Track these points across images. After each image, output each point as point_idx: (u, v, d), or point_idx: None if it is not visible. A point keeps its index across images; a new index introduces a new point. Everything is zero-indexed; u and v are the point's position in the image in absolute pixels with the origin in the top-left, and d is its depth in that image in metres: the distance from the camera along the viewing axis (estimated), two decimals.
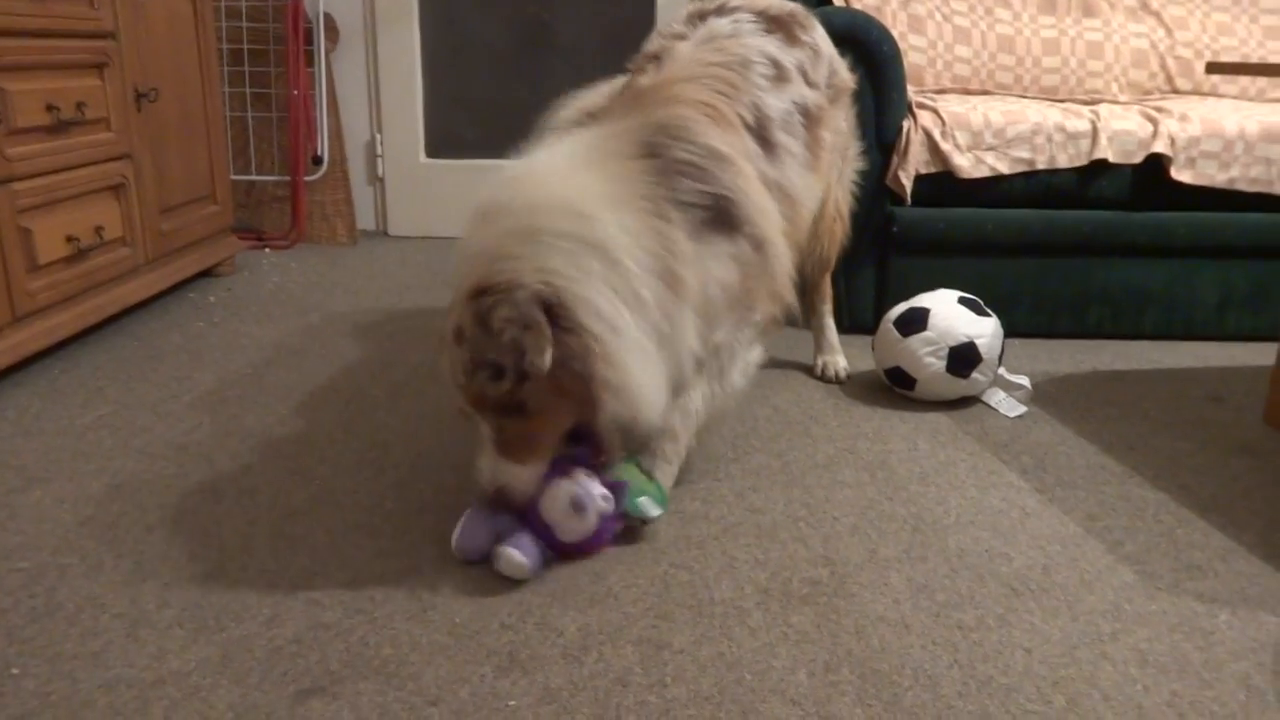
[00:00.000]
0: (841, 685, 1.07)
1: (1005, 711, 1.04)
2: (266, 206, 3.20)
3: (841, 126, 1.76)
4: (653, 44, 1.51)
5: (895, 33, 2.58)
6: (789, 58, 1.49)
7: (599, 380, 1.17)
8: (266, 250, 3.08)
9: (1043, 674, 1.10)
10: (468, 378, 1.19)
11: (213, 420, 1.75)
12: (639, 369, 1.20)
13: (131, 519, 1.39)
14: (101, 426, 1.70)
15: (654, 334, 1.23)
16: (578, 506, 1.25)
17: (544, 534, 1.26)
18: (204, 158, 2.60)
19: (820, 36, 1.66)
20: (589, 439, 1.29)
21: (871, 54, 2.15)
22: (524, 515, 1.27)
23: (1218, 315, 2.35)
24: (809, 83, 1.53)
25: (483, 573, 1.27)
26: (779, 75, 1.45)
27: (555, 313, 1.15)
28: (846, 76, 1.74)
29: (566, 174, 1.26)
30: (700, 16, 1.52)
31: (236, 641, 1.12)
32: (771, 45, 1.46)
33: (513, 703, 1.03)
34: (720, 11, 1.53)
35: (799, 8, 1.66)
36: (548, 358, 1.14)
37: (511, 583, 1.25)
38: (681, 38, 1.48)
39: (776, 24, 1.54)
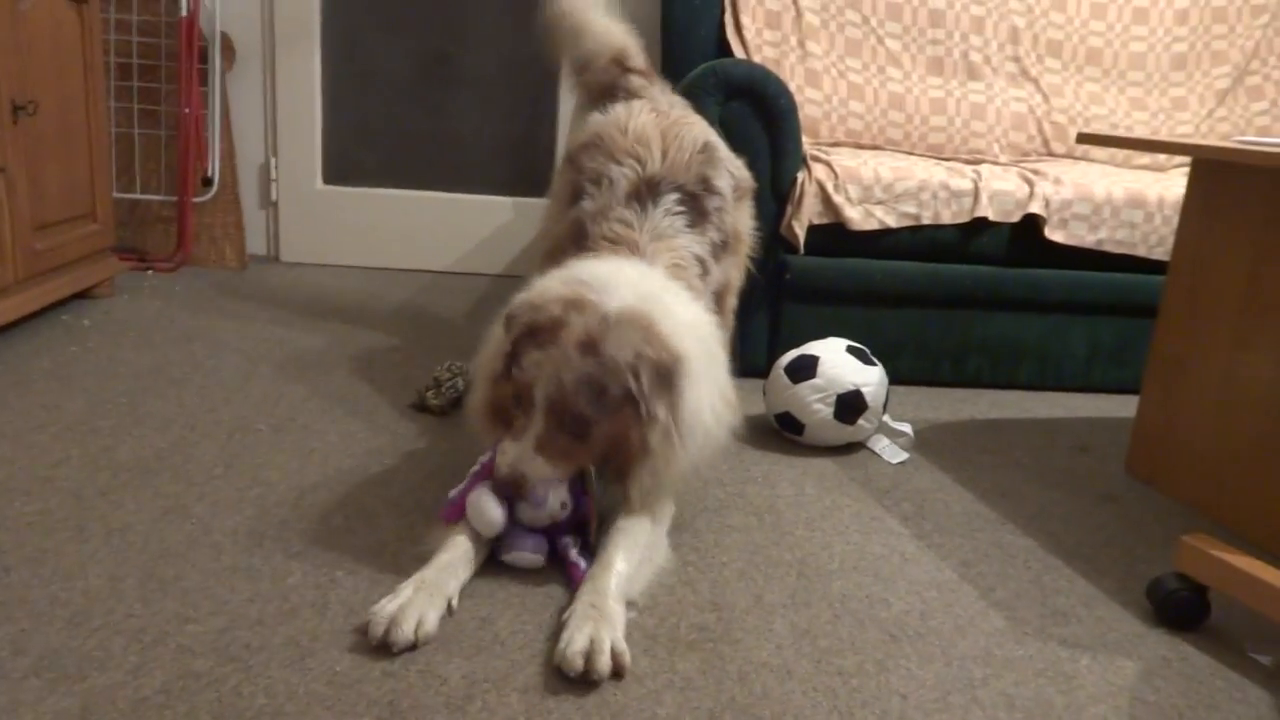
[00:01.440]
0: None
1: None
2: (151, 227, 3.08)
3: (745, 224, 1.97)
4: (606, 227, 1.70)
5: (793, 85, 2.66)
6: (707, 243, 1.76)
7: (658, 453, 1.37)
8: (149, 272, 2.96)
9: (916, 719, 1.14)
10: (571, 383, 1.31)
11: (82, 452, 1.67)
12: (683, 460, 1.41)
13: None
14: None
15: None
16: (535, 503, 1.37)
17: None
18: (84, 174, 2.49)
19: (723, 172, 1.86)
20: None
21: (769, 107, 2.21)
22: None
23: (1086, 368, 2.48)
24: (721, 230, 1.81)
25: (364, 615, 1.24)
26: (704, 271, 1.74)
27: (671, 383, 1.36)
28: (746, 178, 1.96)
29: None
30: (638, 199, 1.73)
31: (99, 692, 1.06)
32: (697, 245, 1.73)
33: None
34: (655, 194, 1.73)
35: (706, 151, 1.84)
36: (662, 414, 1.34)
37: None
38: (629, 225, 1.69)
39: (695, 208, 1.75)
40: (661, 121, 1.84)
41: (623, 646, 1.18)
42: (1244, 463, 1.72)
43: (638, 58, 2.09)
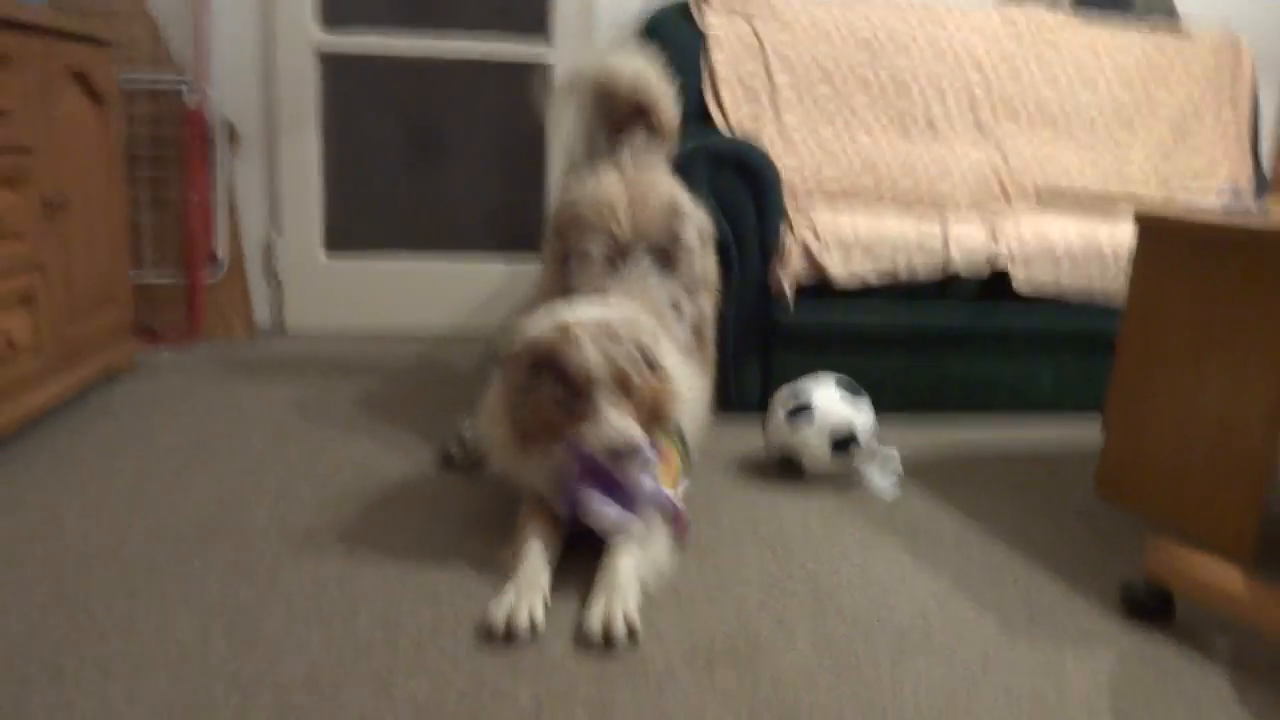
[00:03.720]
0: None
1: None
2: (162, 306, 3.23)
3: (710, 266, 2.23)
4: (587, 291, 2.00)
5: (771, 153, 2.88)
6: (680, 286, 2.08)
7: (671, 405, 1.76)
8: (164, 350, 3.10)
9: (930, 715, 1.30)
10: (619, 354, 1.65)
11: (144, 522, 1.80)
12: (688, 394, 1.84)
13: (83, 625, 1.44)
14: (32, 536, 1.74)
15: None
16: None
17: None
18: (107, 261, 2.65)
19: (689, 225, 2.12)
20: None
21: (757, 180, 2.44)
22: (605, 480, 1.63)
23: (1055, 398, 2.69)
24: (690, 274, 2.11)
25: (437, 650, 1.39)
26: (679, 312, 2.07)
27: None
28: (708, 227, 2.21)
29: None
30: (613, 264, 2.04)
31: None
32: (669, 289, 2.05)
33: None
34: (626, 257, 2.04)
35: (672, 208, 2.10)
36: (669, 361, 1.78)
37: (466, 658, 1.37)
38: (604, 288, 1.98)
39: (665, 260, 2.06)
40: (629, 186, 2.09)
41: (634, 616, 1.46)
42: (1199, 478, 1.92)
43: (659, 109, 2.25)
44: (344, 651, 1.39)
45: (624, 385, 1.65)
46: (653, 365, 1.71)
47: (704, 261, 2.16)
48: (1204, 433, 1.91)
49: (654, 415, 1.73)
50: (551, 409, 1.65)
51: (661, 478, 1.69)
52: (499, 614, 1.45)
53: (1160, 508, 2.01)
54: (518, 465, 1.73)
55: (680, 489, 1.80)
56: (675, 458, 1.82)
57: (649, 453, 1.63)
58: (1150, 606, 1.57)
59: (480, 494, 1.99)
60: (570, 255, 2.07)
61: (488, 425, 1.79)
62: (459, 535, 1.80)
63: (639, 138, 2.22)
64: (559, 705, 1.28)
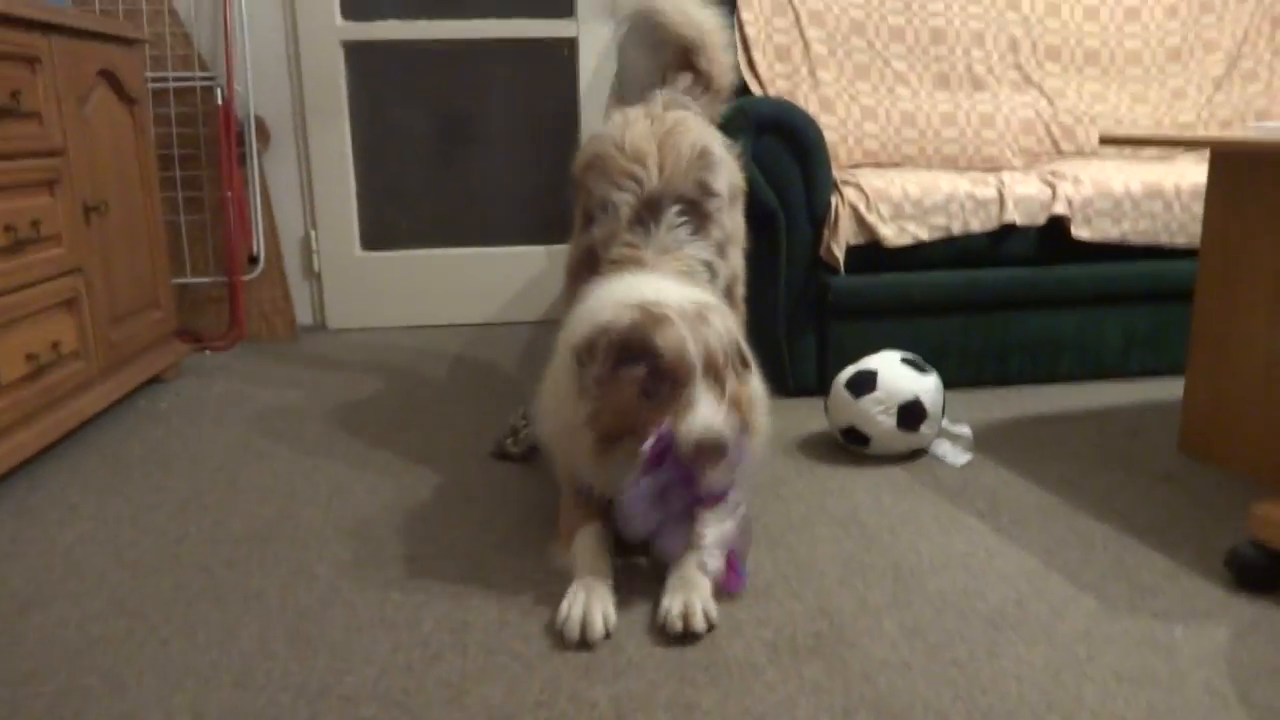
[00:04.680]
0: None
1: None
2: (203, 308, 3.20)
3: (739, 220, 2.04)
4: (614, 251, 1.79)
5: (809, 113, 2.79)
6: (712, 244, 1.85)
7: (753, 402, 1.61)
8: (206, 352, 3.07)
9: (1035, 699, 1.22)
10: (712, 339, 1.46)
11: (198, 527, 1.76)
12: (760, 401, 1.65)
13: (142, 634, 1.40)
14: (87, 543, 1.70)
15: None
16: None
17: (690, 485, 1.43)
18: (147, 265, 2.61)
19: (720, 174, 1.92)
20: None
21: (799, 140, 2.33)
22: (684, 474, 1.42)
23: (1123, 357, 2.57)
24: (722, 228, 1.90)
25: (509, 653, 1.33)
26: (712, 273, 1.83)
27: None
28: (739, 180, 2.03)
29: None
30: (640, 221, 1.81)
31: None
32: (702, 250, 1.81)
33: None
34: (656, 211, 1.81)
35: (704, 156, 1.90)
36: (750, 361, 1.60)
37: (539, 660, 1.31)
38: (635, 246, 1.78)
39: (697, 214, 1.84)
40: (658, 130, 1.91)
41: (712, 606, 1.39)
42: None
43: (708, 51, 2.12)
44: (412, 658, 1.33)
45: (717, 377, 1.46)
46: (745, 361, 1.56)
47: (734, 216, 1.98)
48: None
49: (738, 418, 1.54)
50: (637, 402, 1.44)
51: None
52: (572, 621, 1.37)
53: (1251, 464, 1.90)
54: (595, 469, 1.52)
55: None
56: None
57: (739, 455, 1.44)
58: (1260, 572, 1.47)
59: (538, 483, 1.92)
60: (594, 216, 1.86)
61: (553, 425, 1.62)
62: (519, 527, 1.74)
63: (685, 83, 2.10)
64: (640, 707, 1.21)
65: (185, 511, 1.84)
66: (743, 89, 2.83)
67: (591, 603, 1.39)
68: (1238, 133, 2.43)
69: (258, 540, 1.71)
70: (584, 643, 1.35)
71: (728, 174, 1.96)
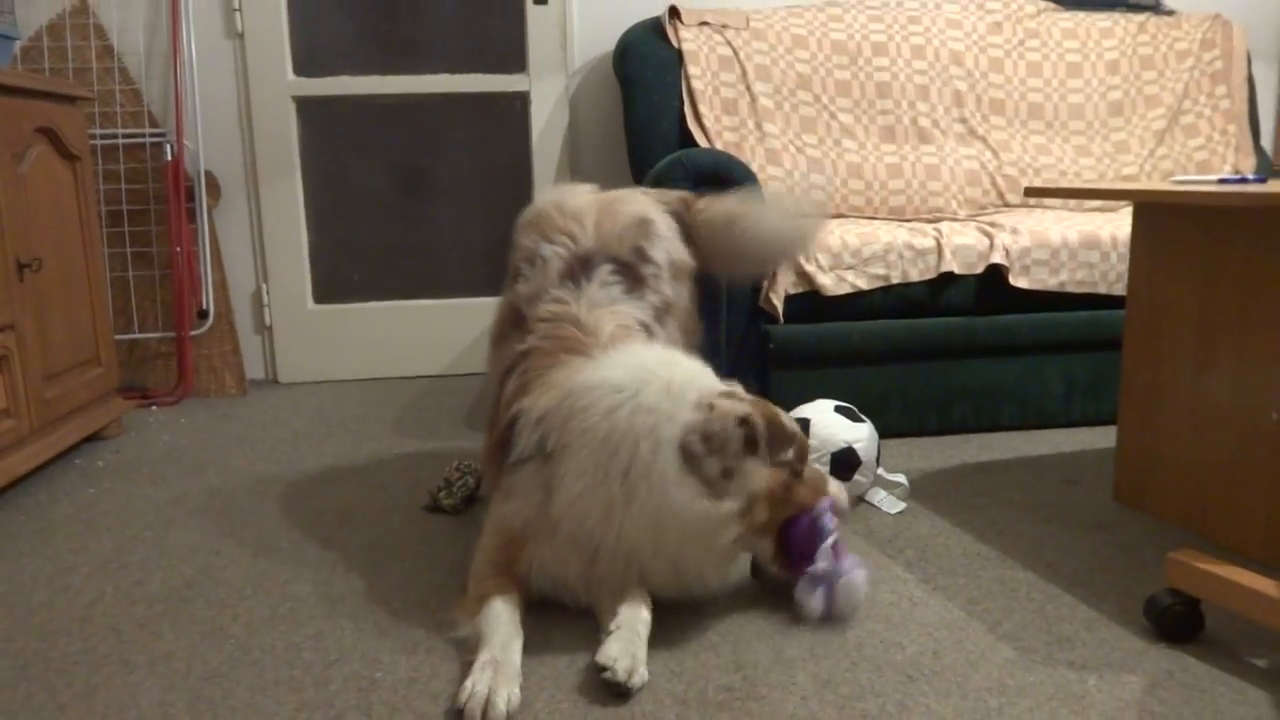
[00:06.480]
0: None
1: None
2: (150, 363, 3.18)
3: (684, 296, 1.99)
4: (542, 308, 1.76)
5: (755, 165, 2.83)
6: (648, 307, 1.82)
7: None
8: (153, 408, 3.05)
9: None
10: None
11: (115, 588, 1.73)
12: None
13: (41, 700, 1.36)
14: None
15: None
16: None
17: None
18: (87, 321, 2.60)
19: (659, 245, 1.91)
20: None
21: (734, 188, 2.35)
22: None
23: (1065, 404, 2.58)
24: (660, 295, 1.87)
25: (413, 713, 1.30)
26: (649, 335, 1.78)
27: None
28: (685, 260, 2.00)
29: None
30: (571, 277, 1.79)
31: None
32: (637, 310, 1.78)
33: None
34: (588, 269, 1.79)
35: (642, 225, 1.90)
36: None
37: (443, 718, 1.28)
38: (565, 302, 1.76)
39: (631, 277, 1.82)
40: (600, 199, 1.92)
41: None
42: (1221, 478, 1.81)
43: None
44: (314, 718, 1.30)
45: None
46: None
47: (676, 291, 1.93)
48: (1221, 428, 1.80)
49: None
50: (790, 485, 1.53)
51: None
52: (475, 700, 1.28)
53: (1182, 512, 1.90)
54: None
55: None
56: None
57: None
58: (1176, 621, 1.46)
59: (467, 537, 1.90)
60: (521, 271, 1.84)
61: (584, 512, 1.49)
62: (443, 581, 1.71)
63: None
64: None
65: (104, 571, 1.80)
66: (685, 142, 2.87)
67: (498, 682, 1.31)
68: (1158, 185, 2.48)
69: (174, 600, 1.67)
70: None
71: (668, 248, 1.93)
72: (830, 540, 1.51)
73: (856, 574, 1.52)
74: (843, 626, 1.52)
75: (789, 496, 1.52)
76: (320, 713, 1.32)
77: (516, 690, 1.32)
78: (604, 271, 1.79)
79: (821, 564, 1.50)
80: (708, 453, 1.44)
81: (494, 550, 1.58)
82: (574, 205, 1.90)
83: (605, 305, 1.75)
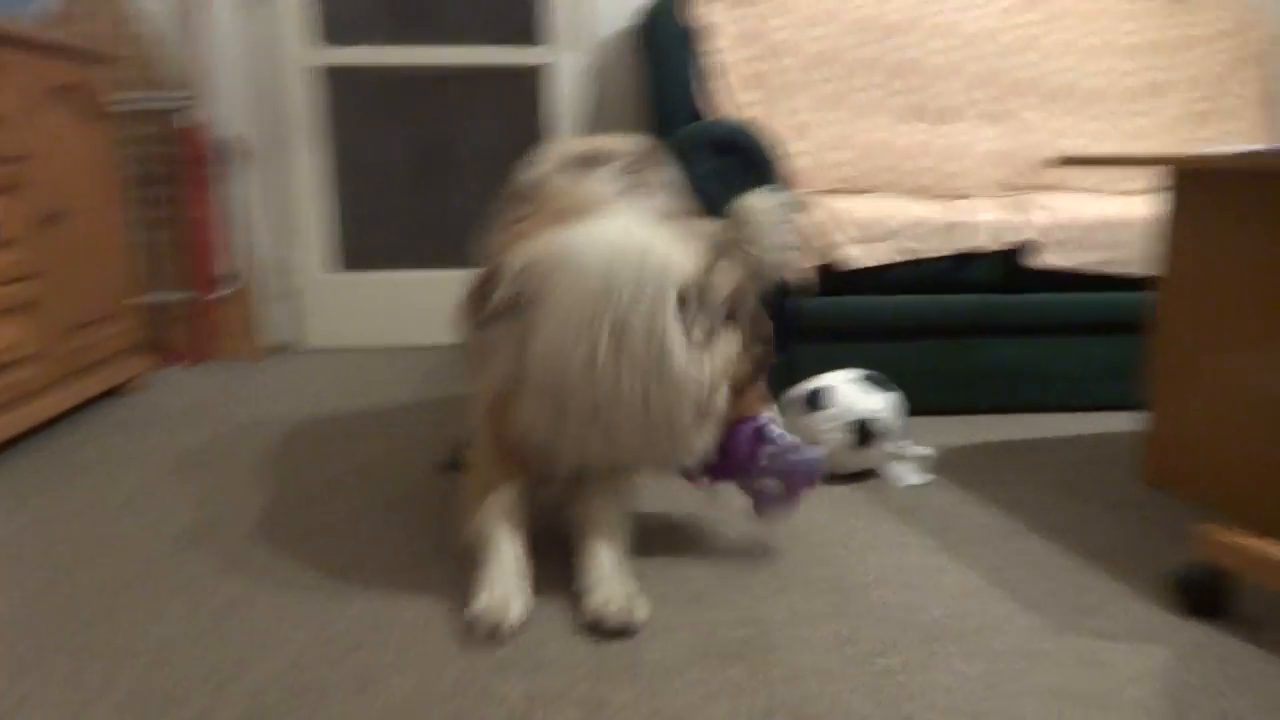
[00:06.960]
0: None
1: None
2: (173, 325, 3.19)
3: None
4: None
5: (783, 139, 2.79)
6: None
7: None
8: (174, 368, 3.06)
9: (965, 709, 1.18)
10: None
11: (140, 523, 1.73)
12: None
13: (68, 616, 1.37)
14: (29, 534, 1.68)
15: None
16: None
17: None
18: (112, 278, 2.60)
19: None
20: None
21: (752, 159, 2.31)
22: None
23: (1091, 387, 2.54)
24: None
25: (424, 644, 1.29)
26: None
27: None
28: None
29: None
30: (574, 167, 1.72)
31: None
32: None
33: None
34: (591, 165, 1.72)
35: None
36: None
37: (454, 653, 1.27)
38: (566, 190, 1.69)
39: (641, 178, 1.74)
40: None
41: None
42: (1254, 459, 1.77)
43: None
44: (328, 649, 1.29)
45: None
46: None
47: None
48: (1257, 408, 1.77)
49: None
50: (749, 375, 1.47)
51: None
52: (487, 612, 1.31)
53: (1212, 493, 1.86)
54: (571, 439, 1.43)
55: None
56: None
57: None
58: (1203, 592, 1.43)
59: None
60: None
61: (547, 372, 1.39)
62: (458, 532, 1.70)
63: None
64: (551, 702, 1.17)
65: (130, 508, 1.81)
66: (705, 115, 2.85)
67: (506, 591, 1.33)
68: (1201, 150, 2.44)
69: (200, 532, 1.69)
70: (494, 635, 1.31)
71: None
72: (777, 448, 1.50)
73: (812, 449, 1.52)
74: (864, 589, 1.50)
75: (743, 392, 1.48)
76: (339, 641, 1.31)
77: (526, 594, 1.36)
78: (615, 166, 1.71)
79: (765, 464, 1.52)
80: (699, 309, 1.36)
81: (487, 429, 1.53)
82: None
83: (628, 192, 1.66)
